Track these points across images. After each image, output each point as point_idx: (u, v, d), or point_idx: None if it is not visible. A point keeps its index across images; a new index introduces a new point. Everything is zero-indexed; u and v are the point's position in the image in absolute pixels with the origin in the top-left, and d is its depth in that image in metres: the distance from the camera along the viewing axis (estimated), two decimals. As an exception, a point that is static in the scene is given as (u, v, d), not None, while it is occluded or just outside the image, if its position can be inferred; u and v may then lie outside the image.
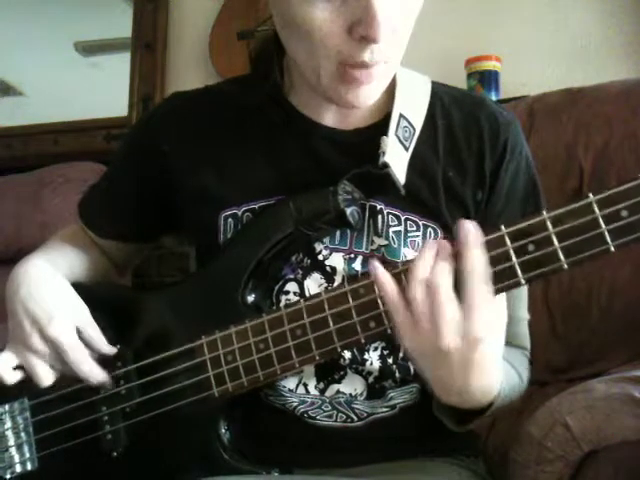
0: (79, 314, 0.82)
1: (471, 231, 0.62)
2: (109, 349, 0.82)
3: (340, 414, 0.80)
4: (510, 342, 0.87)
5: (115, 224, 0.94)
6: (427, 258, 0.64)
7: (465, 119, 0.83)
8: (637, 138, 1.24)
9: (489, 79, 1.67)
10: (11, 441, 0.85)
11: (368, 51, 0.68)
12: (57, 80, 2.27)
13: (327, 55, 0.69)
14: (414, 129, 0.81)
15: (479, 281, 0.61)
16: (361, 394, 0.80)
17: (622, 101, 1.28)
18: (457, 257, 0.63)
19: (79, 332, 0.81)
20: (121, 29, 2.17)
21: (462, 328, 0.62)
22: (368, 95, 0.73)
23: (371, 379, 0.80)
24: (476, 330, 0.61)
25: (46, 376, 0.81)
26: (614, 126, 1.26)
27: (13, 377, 0.82)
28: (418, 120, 0.82)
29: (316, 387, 0.80)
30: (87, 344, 0.81)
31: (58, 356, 0.80)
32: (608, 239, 0.60)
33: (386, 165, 0.76)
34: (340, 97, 0.73)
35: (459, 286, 0.62)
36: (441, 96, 0.85)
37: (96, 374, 0.80)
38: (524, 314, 0.88)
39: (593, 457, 0.79)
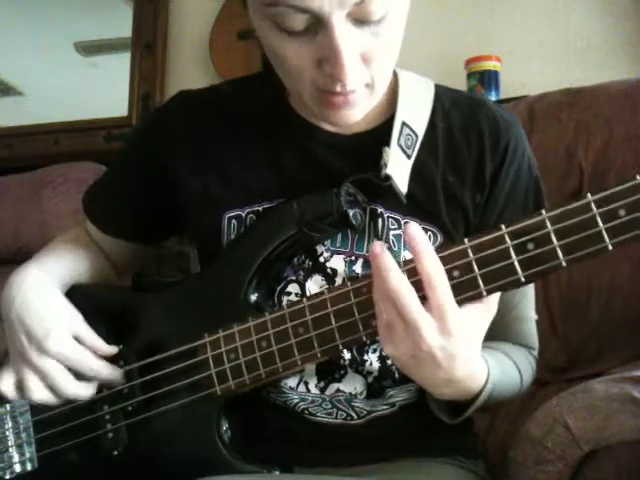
0: (73, 322, 0.82)
1: (415, 235, 0.63)
2: (109, 349, 0.82)
3: (340, 412, 0.80)
4: (516, 341, 0.87)
5: (118, 221, 0.94)
6: (382, 270, 0.63)
7: (465, 121, 0.83)
8: (637, 138, 1.24)
9: (489, 79, 1.67)
10: (11, 441, 0.85)
11: (339, 84, 0.68)
12: (57, 80, 2.26)
13: (303, 83, 0.70)
14: (416, 136, 0.80)
15: (438, 279, 0.62)
16: (361, 393, 0.80)
17: (622, 101, 1.27)
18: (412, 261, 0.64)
19: (76, 339, 0.82)
20: (121, 29, 2.17)
21: (438, 327, 0.62)
22: (351, 116, 0.74)
23: (371, 379, 0.80)
24: (451, 325, 0.62)
25: (36, 391, 0.81)
26: (614, 126, 1.26)
27: (17, 394, 0.83)
28: (420, 127, 0.81)
29: (317, 386, 0.80)
30: (87, 348, 0.82)
31: (63, 367, 0.80)
32: (606, 237, 0.60)
33: (389, 178, 0.76)
34: (325, 118, 0.75)
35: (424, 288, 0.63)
36: (442, 99, 0.84)
37: (104, 369, 0.80)
38: (531, 314, 0.88)
39: (593, 457, 0.79)
